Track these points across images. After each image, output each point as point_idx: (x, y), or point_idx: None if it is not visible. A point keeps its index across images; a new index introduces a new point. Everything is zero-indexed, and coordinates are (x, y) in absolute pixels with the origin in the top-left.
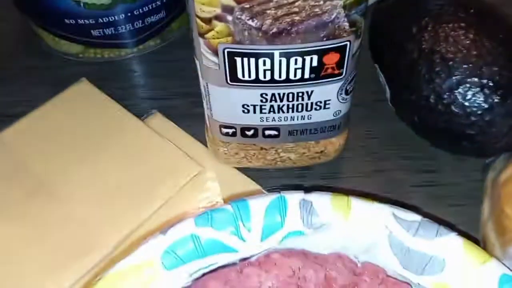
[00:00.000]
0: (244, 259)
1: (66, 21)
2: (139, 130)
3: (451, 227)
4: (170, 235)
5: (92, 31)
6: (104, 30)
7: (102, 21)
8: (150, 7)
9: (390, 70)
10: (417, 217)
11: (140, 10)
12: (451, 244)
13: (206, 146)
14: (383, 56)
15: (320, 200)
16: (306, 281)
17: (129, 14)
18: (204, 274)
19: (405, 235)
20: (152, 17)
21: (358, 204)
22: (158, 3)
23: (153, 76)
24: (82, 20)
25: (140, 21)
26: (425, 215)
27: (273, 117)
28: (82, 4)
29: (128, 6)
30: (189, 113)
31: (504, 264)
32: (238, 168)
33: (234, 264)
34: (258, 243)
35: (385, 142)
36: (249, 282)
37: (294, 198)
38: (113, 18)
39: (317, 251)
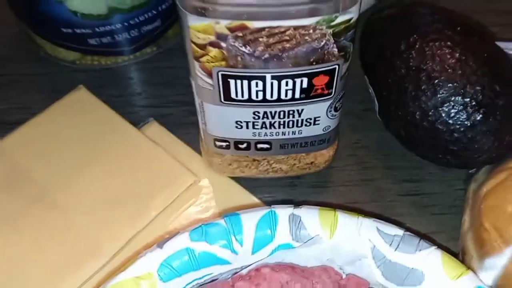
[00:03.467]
0: (236, 271)
1: (63, 30)
2: (135, 139)
3: (433, 240)
4: (166, 249)
5: (89, 39)
6: (101, 38)
7: (98, 30)
8: (146, 16)
9: (379, 84)
10: (399, 231)
11: (136, 19)
12: (430, 258)
13: (201, 154)
14: (373, 69)
15: (309, 215)
16: None
17: (125, 23)
18: (199, 286)
19: (388, 248)
20: (148, 25)
21: (344, 218)
22: (154, 12)
23: (150, 83)
24: (79, 29)
25: (136, 30)
26: (408, 228)
27: (265, 132)
28: (79, 14)
29: (124, 16)
30: (184, 122)
31: (479, 277)
32: (232, 177)
33: (227, 275)
34: (250, 256)
35: (373, 151)
36: None
37: (284, 212)
38: (109, 27)
39: (305, 264)
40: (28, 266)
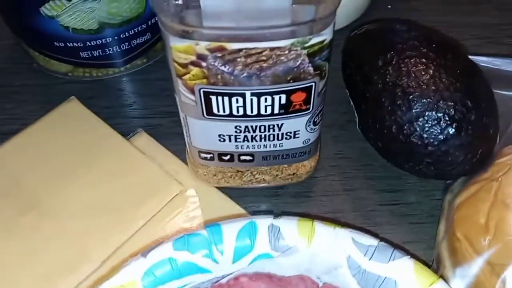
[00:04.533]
0: (218, 279)
1: (56, 43)
2: (124, 149)
3: (407, 250)
4: (150, 258)
5: (80, 52)
6: (92, 51)
7: (90, 44)
8: (136, 30)
9: (358, 98)
10: (374, 241)
11: (127, 33)
12: (403, 267)
13: (187, 164)
14: (353, 83)
15: (287, 225)
16: None
17: (116, 38)
18: None
19: (362, 258)
20: (138, 39)
21: (321, 229)
22: (144, 26)
23: (139, 94)
24: (71, 43)
25: (127, 43)
26: (383, 238)
27: (248, 145)
28: (70, 29)
29: (115, 30)
30: (173, 132)
31: (450, 286)
32: (217, 187)
33: (208, 284)
34: (230, 265)
35: (354, 162)
36: None
37: (263, 223)
38: (100, 41)
39: (283, 273)
40: (18, 272)
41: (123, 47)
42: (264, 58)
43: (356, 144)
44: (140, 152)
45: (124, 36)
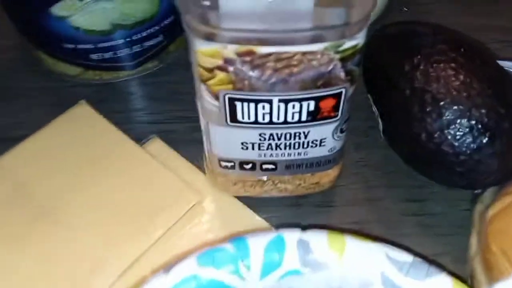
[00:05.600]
0: None
1: (65, 45)
2: (138, 156)
3: (439, 263)
4: (172, 275)
5: (91, 55)
6: (103, 54)
7: (101, 45)
8: (149, 32)
9: (382, 104)
10: (408, 258)
11: (139, 34)
12: (441, 284)
13: (205, 173)
14: (376, 89)
15: (317, 239)
16: None
17: (127, 39)
18: None
19: (397, 274)
20: (150, 41)
21: (353, 243)
22: (156, 27)
23: (152, 98)
24: (81, 45)
25: (139, 45)
26: (416, 253)
27: (271, 153)
28: (81, 30)
29: (127, 32)
30: (188, 138)
31: None
32: (236, 196)
33: None
34: (257, 282)
35: (377, 170)
36: None
37: (291, 237)
38: (112, 43)
39: None
40: (29, 284)
41: (134, 49)
42: (295, 62)
43: (379, 152)
44: (155, 159)
45: (136, 37)
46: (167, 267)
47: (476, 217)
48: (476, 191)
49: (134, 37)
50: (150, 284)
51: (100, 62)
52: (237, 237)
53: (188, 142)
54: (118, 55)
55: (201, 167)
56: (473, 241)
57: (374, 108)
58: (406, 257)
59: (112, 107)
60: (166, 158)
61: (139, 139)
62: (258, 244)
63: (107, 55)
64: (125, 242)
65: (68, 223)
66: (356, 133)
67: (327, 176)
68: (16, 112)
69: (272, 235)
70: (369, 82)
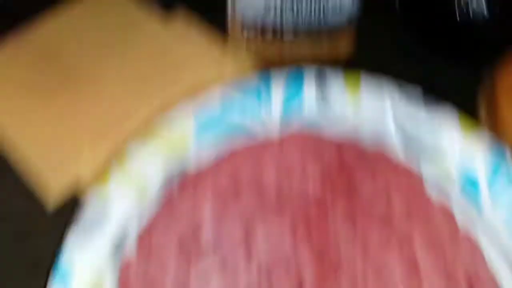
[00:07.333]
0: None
1: None
2: (162, 28)
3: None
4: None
5: None
6: None
7: None
8: None
9: None
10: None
11: None
12: (447, 114)
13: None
14: None
15: (333, 74)
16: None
17: None
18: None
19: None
20: None
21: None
22: None
23: None
24: None
25: None
26: None
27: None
28: None
29: None
30: (211, 4)
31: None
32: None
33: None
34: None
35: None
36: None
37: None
38: None
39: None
40: (63, 129)
41: None
42: None
43: (393, 31)
44: (180, 27)
45: None
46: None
47: (485, 91)
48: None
49: None
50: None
51: None
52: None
53: (212, 9)
54: None
55: (223, 36)
56: (482, 110)
57: None
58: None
59: None
60: (189, 28)
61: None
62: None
63: None
64: (150, 94)
65: (96, 82)
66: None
67: (343, 41)
68: None
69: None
70: None
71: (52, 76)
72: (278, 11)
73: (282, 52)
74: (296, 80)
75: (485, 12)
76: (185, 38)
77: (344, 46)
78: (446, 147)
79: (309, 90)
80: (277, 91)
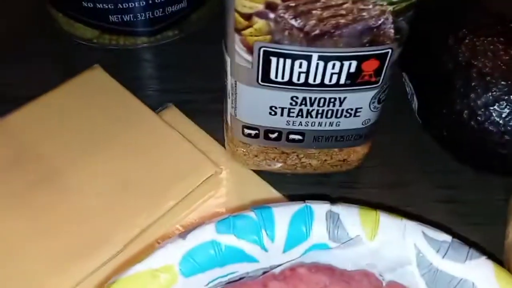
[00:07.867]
0: (265, 270)
1: (84, 4)
2: (153, 123)
3: (480, 249)
4: (189, 240)
5: (110, 16)
6: (123, 16)
7: (121, 6)
8: None
9: (421, 81)
10: (447, 237)
11: None
12: (481, 268)
13: (223, 145)
14: (413, 64)
15: (348, 213)
16: None
17: (150, 2)
18: (224, 285)
19: (435, 255)
20: (173, 6)
21: (386, 220)
22: None
23: (169, 68)
24: (101, 4)
25: (160, 10)
26: (454, 235)
27: (300, 121)
28: None
29: None
30: (206, 109)
31: None
32: (255, 171)
33: (254, 274)
34: (280, 254)
35: (408, 152)
36: None
37: (320, 208)
38: (133, 4)
39: (342, 267)
40: (29, 252)
41: (156, 13)
42: (343, 12)
43: (412, 133)
44: (170, 127)
45: (158, 0)
46: (184, 232)
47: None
48: None
49: (156, 0)
50: (165, 248)
51: (118, 24)
52: (260, 206)
53: (207, 113)
54: (138, 19)
55: (218, 140)
56: (510, 229)
57: (409, 87)
58: (445, 237)
59: (127, 74)
60: (182, 127)
61: (155, 107)
62: (284, 214)
63: (126, 17)
64: (134, 211)
65: (75, 189)
66: (386, 110)
67: (356, 154)
68: (27, 73)
69: (299, 205)
70: (406, 57)
71: (28, 176)
72: (286, 112)
73: (285, 159)
74: (304, 218)
75: None
76: (179, 140)
77: (356, 154)
78: None
79: (319, 229)
80: (281, 229)
